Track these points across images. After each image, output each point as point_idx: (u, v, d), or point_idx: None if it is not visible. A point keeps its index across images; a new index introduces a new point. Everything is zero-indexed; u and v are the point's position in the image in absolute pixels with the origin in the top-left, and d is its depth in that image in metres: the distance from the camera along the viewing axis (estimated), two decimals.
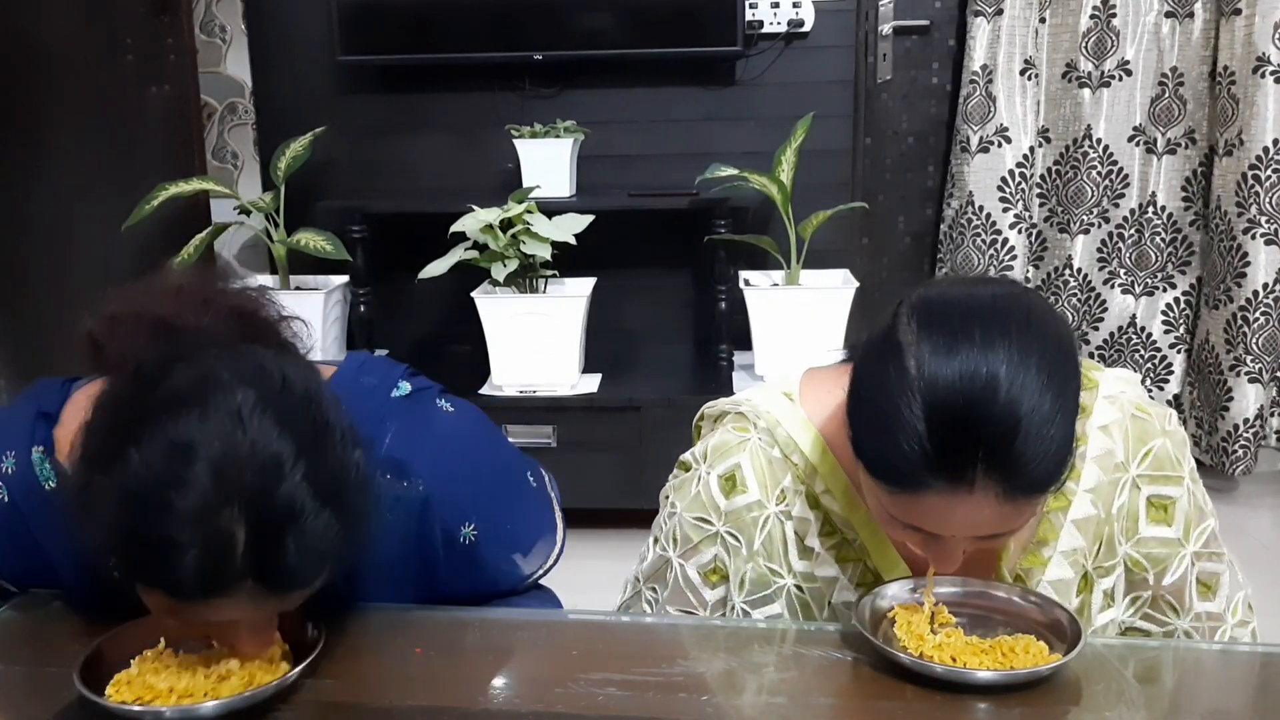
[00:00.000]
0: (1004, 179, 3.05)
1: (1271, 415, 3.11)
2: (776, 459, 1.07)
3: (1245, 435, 3.04)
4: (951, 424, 0.84)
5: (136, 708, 0.83)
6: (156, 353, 0.86)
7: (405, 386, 1.08)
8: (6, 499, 1.02)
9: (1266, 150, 2.88)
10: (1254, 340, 2.99)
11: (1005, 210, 3.07)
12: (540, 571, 1.15)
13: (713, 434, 1.11)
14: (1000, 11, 2.98)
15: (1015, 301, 0.90)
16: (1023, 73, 3.01)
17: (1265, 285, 2.95)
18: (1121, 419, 1.05)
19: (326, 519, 0.82)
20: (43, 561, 1.03)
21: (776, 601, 1.06)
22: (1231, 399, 3.04)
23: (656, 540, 1.14)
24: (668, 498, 1.13)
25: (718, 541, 1.07)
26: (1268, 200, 2.91)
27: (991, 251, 3.09)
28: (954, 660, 0.89)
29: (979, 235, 3.09)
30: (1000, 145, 3.04)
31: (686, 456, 1.13)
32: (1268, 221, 2.92)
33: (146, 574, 0.82)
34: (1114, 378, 1.08)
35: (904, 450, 0.85)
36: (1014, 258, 3.09)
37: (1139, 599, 1.07)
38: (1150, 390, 3.21)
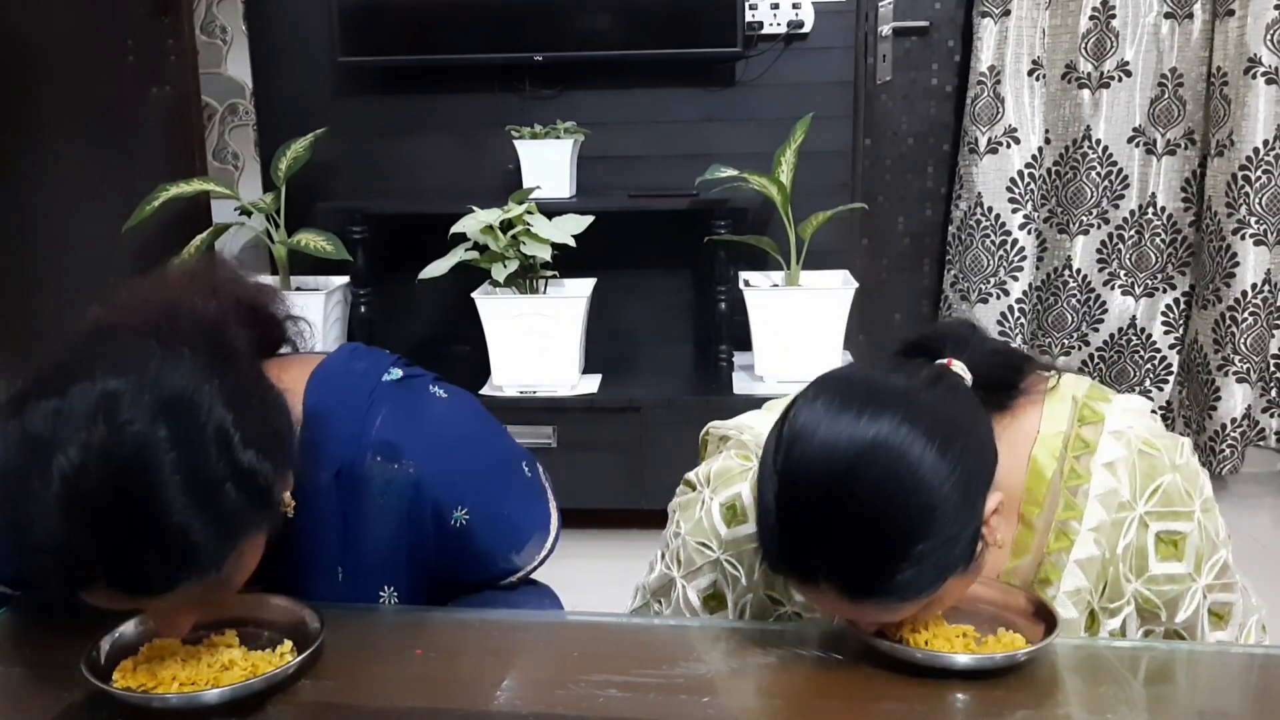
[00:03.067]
0: (1013, 180, 3.05)
1: (1271, 416, 3.11)
2: None
3: (1232, 435, 3.04)
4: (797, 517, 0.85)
5: (143, 694, 0.84)
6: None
7: (396, 372, 1.07)
8: None
9: (1256, 151, 2.88)
10: (1242, 340, 2.99)
11: (1015, 211, 3.06)
12: (536, 563, 1.14)
13: (717, 457, 1.12)
14: (1007, 12, 2.97)
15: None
16: (1030, 73, 3.01)
17: (1254, 285, 2.95)
18: (1128, 455, 1.02)
19: (184, 523, 0.78)
20: None
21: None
22: (1219, 399, 3.04)
23: (663, 556, 1.15)
24: (674, 514, 1.14)
25: (717, 568, 1.09)
26: (1257, 201, 2.91)
27: (1001, 253, 3.09)
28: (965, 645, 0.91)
29: (988, 236, 3.09)
30: (1009, 146, 3.04)
31: (691, 476, 1.14)
32: (1256, 222, 2.92)
33: (19, 562, 0.82)
34: (1121, 410, 1.05)
35: (764, 536, 0.88)
36: (1024, 258, 3.09)
37: (1151, 633, 1.06)
38: (1149, 392, 3.21)
